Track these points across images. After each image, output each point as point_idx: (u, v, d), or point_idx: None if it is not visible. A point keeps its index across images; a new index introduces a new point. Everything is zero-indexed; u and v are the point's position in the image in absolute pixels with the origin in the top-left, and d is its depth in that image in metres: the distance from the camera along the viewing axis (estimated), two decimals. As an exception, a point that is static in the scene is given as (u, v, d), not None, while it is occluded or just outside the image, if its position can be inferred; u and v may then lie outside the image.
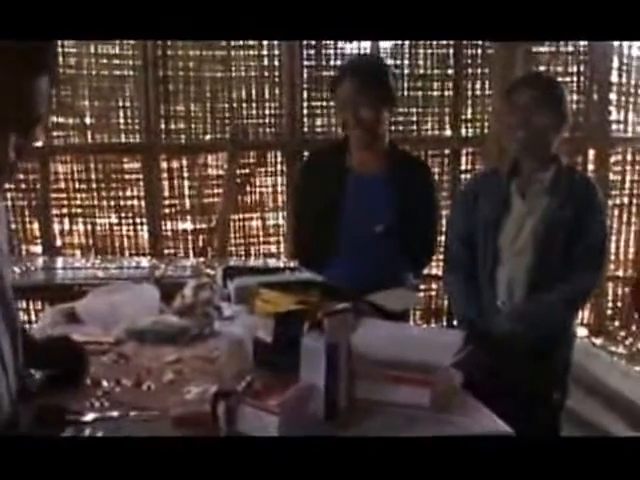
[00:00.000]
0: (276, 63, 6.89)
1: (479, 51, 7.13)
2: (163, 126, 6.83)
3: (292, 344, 2.52)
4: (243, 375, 2.58)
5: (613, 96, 7.56)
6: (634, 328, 7.33)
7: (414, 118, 7.22)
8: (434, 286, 7.25)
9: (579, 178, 3.70)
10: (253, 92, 6.91)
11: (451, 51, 7.12)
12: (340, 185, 3.90)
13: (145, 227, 6.92)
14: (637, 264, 3.21)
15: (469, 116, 7.35)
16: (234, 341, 2.83)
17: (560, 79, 7.02)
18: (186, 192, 7.00)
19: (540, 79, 3.86)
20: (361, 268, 3.73)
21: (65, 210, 6.84)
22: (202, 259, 6.51)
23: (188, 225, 7.05)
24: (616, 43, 7.21)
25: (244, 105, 6.93)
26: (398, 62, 7.02)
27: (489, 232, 3.58)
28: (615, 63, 7.47)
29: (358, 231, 3.85)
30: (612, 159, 7.71)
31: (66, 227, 6.88)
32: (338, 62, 6.85)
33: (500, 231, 3.57)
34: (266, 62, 6.91)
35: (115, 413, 2.48)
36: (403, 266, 4.02)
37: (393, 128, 7.12)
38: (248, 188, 7.03)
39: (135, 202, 6.91)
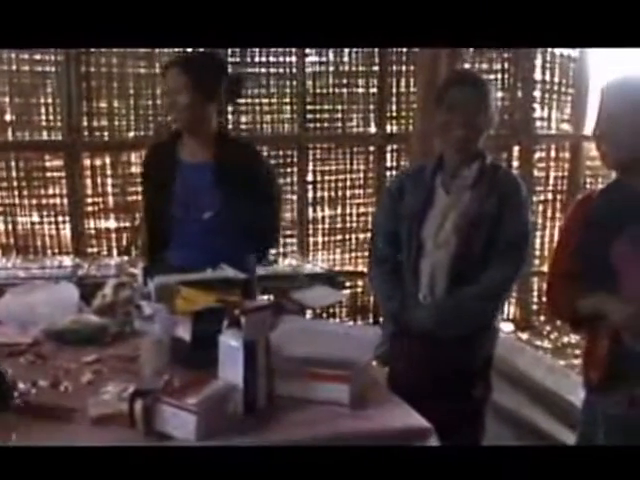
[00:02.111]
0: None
1: (404, 48, 7.14)
2: (85, 123, 6.75)
3: (210, 342, 2.51)
4: (162, 374, 2.59)
5: (537, 93, 7.64)
6: (559, 323, 7.40)
7: (339, 115, 7.24)
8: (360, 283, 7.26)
9: (503, 174, 3.70)
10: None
11: (376, 48, 7.12)
12: (171, 174, 3.93)
13: (68, 226, 6.83)
14: (552, 263, 3.24)
15: (394, 113, 7.36)
16: (153, 340, 2.80)
17: (485, 76, 7.10)
18: (109, 190, 6.93)
19: (472, 77, 3.86)
20: (196, 256, 3.72)
21: (-15, 209, 6.72)
22: (126, 258, 6.44)
23: (112, 223, 6.97)
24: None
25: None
26: (323, 59, 7.02)
27: (413, 226, 3.57)
28: (539, 61, 7.55)
29: (188, 219, 3.89)
30: (536, 156, 7.80)
31: (-14, 226, 6.75)
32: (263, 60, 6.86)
33: (424, 225, 3.56)
34: (190, 58, 6.83)
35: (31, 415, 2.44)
36: (240, 252, 3.97)
37: (318, 125, 7.15)
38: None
39: (57, 200, 6.82)
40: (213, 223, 3.87)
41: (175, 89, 3.82)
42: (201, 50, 4.10)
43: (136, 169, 6.89)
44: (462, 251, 3.51)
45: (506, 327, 7.73)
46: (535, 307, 7.98)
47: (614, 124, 2.86)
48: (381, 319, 3.90)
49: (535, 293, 7.95)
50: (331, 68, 7.06)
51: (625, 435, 2.87)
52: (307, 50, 6.96)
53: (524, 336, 7.59)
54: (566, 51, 7.49)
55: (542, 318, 7.93)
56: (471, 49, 7.22)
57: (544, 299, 7.78)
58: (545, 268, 7.70)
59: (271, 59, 6.80)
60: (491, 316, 3.66)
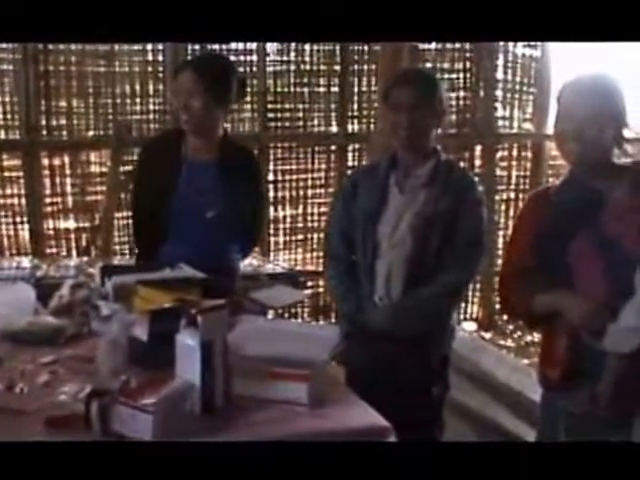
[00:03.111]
0: (160, 58, 6.81)
1: (365, 47, 7.14)
2: (44, 122, 6.67)
3: (167, 341, 2.50)
4: (119, 374, 2.56)
5: (499, 93, 7.67)
6: (522, 322, 7.42)
7: (300, 114, 7.22)
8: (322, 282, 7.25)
9: (457, 172, 3.71)
10: (137, 88, 6.80)
11: (337, 47, 7.11)
12: (174, 172, 3.92)
13: (26, 226, 6.75)
14: (505, 260, 3.24)
15: (355, 112, 7.36)
16: (110, 340, 2.77)
17: (447, 76, 7.13)
18: (68, 190, 6.85)
19: (416, 75, 3.83)
20: (192, 254, 3.71)
21: (-58, 209, 6.64)
22: (86, 258, 6.38)
23: (71, 224, 6.90)
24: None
25: (128, 101, 6.82)
26: (284, 58, 7.00)
27: (368, 226, 3.57)
28: (500, 60, 7.57)
29: (190, 217, 3.88)
30: (498, 155, 7.83)
31: (-57, 227, 6.67)
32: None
33: (379, 225, 3.56)
34: (150, 57, 6.82)
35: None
36: (231, 252, 4.07)
37: (279, 124, 7.12)
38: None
39: (15, 200, 6.73)
40: (215, 222, 3.88)
41: (188, 91, 3.81)
42: (212, 51, 4.09)
43: (95, 169, 6.87)
44: (417, 251, 3.51)
45: (469, 326, 7.75)
46: (498, 307, 7.99)
47: (574, 121, 2.88)
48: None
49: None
50: (292, 67, 7.04)
51: (586, 432, 2.87)
52: (268, 49, 6.92)
53: (487, 335, 7.61)
54: (528, 50, 7.53)
55: (505, 317, 7.95)
56: (433, 47, 7.24)
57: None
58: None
59: (231, 58, 6.73)
60: (447, 316, 3.67)
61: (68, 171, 6.82)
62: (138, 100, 6.80)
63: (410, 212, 3.54)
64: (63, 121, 6.73)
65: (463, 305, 7.79)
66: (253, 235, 4.27)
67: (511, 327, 7.84)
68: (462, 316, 7.81)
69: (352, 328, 3.53)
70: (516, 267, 3.11)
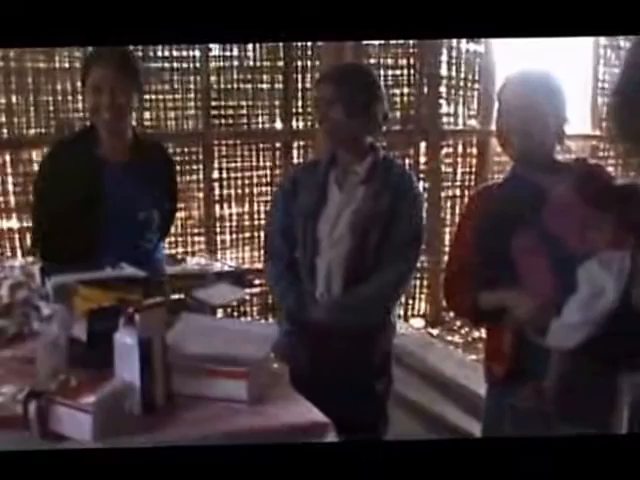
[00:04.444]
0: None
1: (309, 43, 7.12)
2: (-16, 120, 6.57)
3: (106, 341, 2.50)
4: (58, 374, 2.55)
5: (443, 89, 7.68)
6: (467, 319, 7.46)
7: (244, 111, 7.18)
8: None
9: (396, 169, 3.72)
10: (78, 84, 6.68)
11: (280, 43, 7.08)
12: (94, 174, 3.75)
13: (-32, 226, 6.64)
14: (450, 257, 3.27)
15: (300, 109, 7.32)
16: (49, 340, 2.75)
17: (390, 72, 7.13)
18: (10, 189, 6.76)
19: (341, 71, 3.81)
20: (124, 257, 3.55)
21: None
22: (30, 259, 6.30)
23: (14, 223, 6.82)
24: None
25: (69, 98, 6.73)
26: (227, 54, 6.96)
27: (308, 223, 3.58)
28: (444, 57, 7.58)
29: (120, 220, 3.73)
30: (443, 151, 7.84)
31: None
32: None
33: (318, 222, 3.57)
34: (92, 53, 6.72)
35: None
36: (158, 252, 4.02)
37: (223, 121, 7.08)
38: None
39: (-44, 200, 6.64)
40: (143, 222, 3.82)
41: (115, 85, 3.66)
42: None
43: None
44: (357, 248, 3.53)
45: (417, 323, 7.77)
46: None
47: (516, 118, 2.91)
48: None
49: (445, 289, 7.99)
50: (235, 63, 7.00)
51: (530, 428, 2.89)
52: (211, 44, 6.87)
53: (435, 331, 7.64)
54: (472, 46, 7.54)
55: (452, 313, 7.98)
56: (377, 43, 7.23)
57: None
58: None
59: (174, 53, 6.69)
60: (387, 311, 3.68)
61: (9, 170, 6.73)
62: (80, 97, 6.66)
63: (349, 209, 3.55)
64: (3, 119, 6.65)
65: (411, 302, 7.82)
66: (166, 234, 4.25)
67: (458, 323, 7.87)
68: (410, 312, 7.84)
69: (294, 325, 3.53)
70: (461, 264, 3.12)
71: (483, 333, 7.33)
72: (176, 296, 4.67)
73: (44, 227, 3.99)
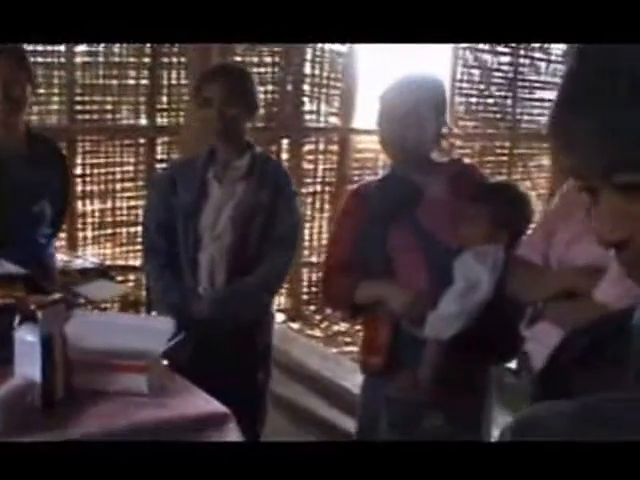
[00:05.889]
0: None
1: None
2: None
3: (3, 338, 2.47)
4: None
5: (307, 87, 7.74)
6: (329, 312, 7.56)
7: (109, 107, 7.10)
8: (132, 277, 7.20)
9: (273, 165, 3.79)
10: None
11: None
12: None
13: None
14: (328, 255, 3.32)
15: (165, 105, 7.29)
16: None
17: (255, 70, 7.15)
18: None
19: (227, 70, 3.85)
20: (19, 253, 3.50)
21: None
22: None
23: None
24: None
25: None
26: (93, 49, 6.88)
27: (189, 219, 3.60)
28: (309, 55, 7.64)
29: (15, 214, 3.72)
30: (305, 148, 7.91)
31: None
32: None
33: (199, 217, 3.59)
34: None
35: None
36: (50, 247, 4.04)
37: (87, 117, 6.99)
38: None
39: None
40: (37, 217, 3.81)
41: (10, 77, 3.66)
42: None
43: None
44: (238, 242, 3.57)
45: (278, 317, 7.82)
46: (305, 297, 8.11)
47: (396, 120, 2.99)
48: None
49: (305, 283, 8.08)
50: (101, 59, 6.91)
51: (406, 417, 2.99)
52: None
53: (295, 326, 7.70)
54: (335, 46, 7.61)
55: (312, 308, 8.08)
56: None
57: (314, 289, 7.94)
58: (314, 259, 7.87)
59: (39, 48, 6.58)
60: (267, 305, 3.75)
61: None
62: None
63: (230, 204, 3.59)
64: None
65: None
66: (59, 229, 4.25)
67: (318, 317, 7.97)
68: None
69: (177, 319, 3.55)
70: (338, 260, 3.20)
71: (343, 327, 7.49)
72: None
73: None
